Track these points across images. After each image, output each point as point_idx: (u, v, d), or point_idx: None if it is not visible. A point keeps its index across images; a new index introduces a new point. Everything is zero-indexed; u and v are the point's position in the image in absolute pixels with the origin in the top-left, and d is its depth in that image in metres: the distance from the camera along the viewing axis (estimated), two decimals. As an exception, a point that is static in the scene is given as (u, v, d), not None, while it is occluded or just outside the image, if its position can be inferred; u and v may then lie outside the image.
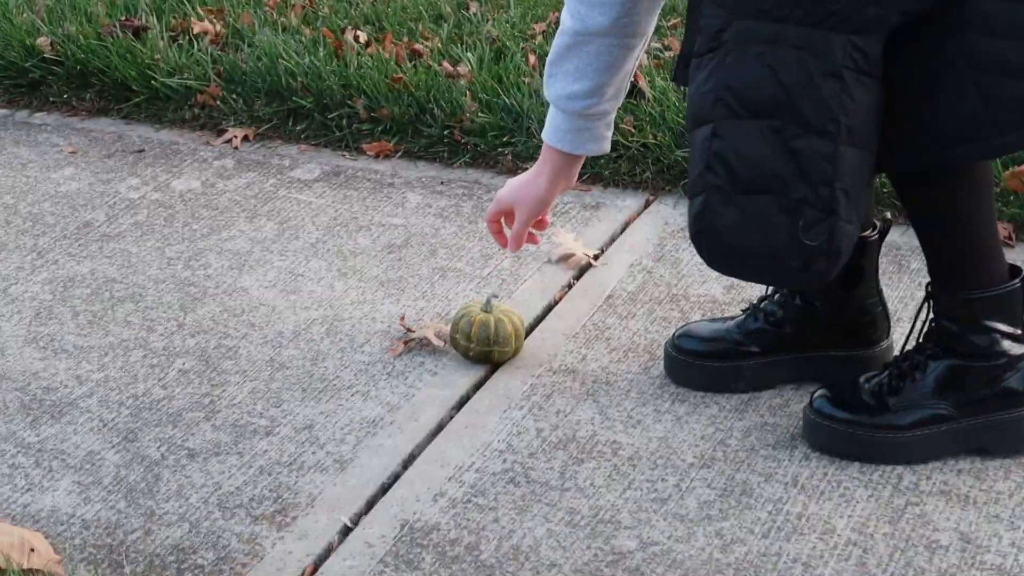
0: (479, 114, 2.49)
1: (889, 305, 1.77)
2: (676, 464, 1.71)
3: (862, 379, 1.71)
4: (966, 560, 1.40)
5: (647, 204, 2.31)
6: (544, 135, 1.79)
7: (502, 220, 1.91)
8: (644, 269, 2.06)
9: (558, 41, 1.71)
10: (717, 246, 1.59)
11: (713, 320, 2.01)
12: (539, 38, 2.77)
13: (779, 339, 1.85)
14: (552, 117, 1.79)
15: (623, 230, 2.24)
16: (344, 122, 2.62)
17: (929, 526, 1.47)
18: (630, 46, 1.71)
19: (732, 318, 1.96)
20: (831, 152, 1.51)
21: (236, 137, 2.58)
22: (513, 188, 1.83)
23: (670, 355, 1.91)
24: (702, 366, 1.91)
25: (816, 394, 1.72)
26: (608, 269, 2.10)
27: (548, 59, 1.73)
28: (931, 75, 1.50)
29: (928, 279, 1.63)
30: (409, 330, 1.95)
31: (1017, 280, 1.61)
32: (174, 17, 2.95)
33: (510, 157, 2.47)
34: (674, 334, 1.93)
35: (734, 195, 1.54)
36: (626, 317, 1.96)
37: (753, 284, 1.90)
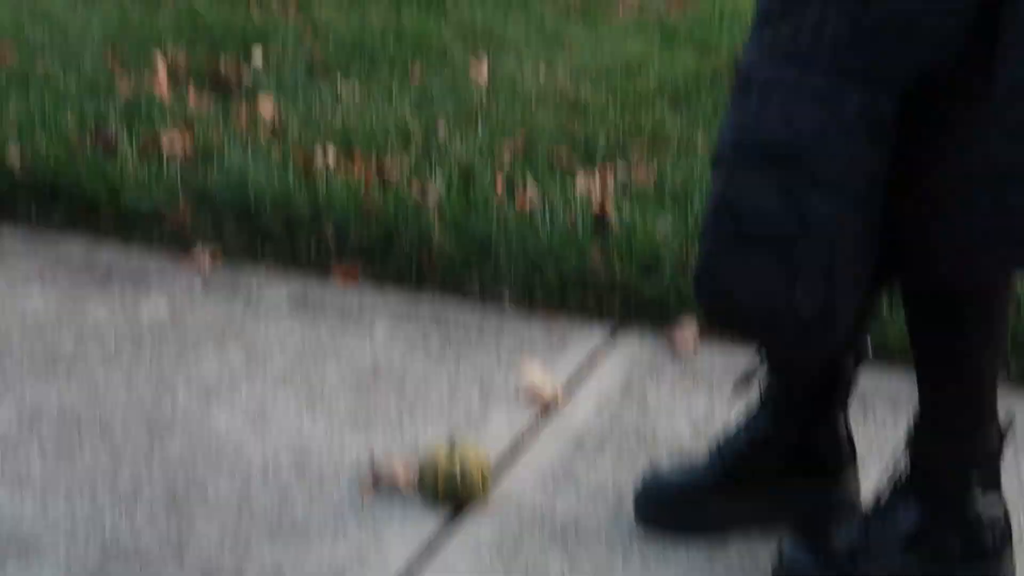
0: (447, 242, 2.51)
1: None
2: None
3: (833, 528, 1.71)
4: None
5: (614, 338, 2.33)
6: None
7: None
8: (612, 408, 2.07)
9: None
10: (716, 294, 1.60)
11: (681, 463, 1.97)
12: (507, 160, 2.82)
13: (744, 474, 1.84)
14: None
15: (590, 366, 2.26)
16: (313, 245, 2.62)
17: None
18: None
19: (698, 459, 1.93)
20: (836, 214, 1.49)
21: (204, 259, 2.58)
22: None
23: (638, 499, 1.89)
24: (670, 510, 1.89)
25: (784, 544, 1.71)
26: (576, 407, 2.11)
27: None
28: (949, 171, 1.48)
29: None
30: (377, 470, 1.95)
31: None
32: (144, 130, 2.96)
33: (477, 286, 2.48)
34: (642, 477, 1.91)
35: (738, 245, 1.55)
36: (594, 458, 1.97)
37: (720, 422, 1.89)
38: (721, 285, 1.56)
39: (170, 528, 1.79)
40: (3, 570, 1.70)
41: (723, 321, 1.72)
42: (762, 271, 1.53)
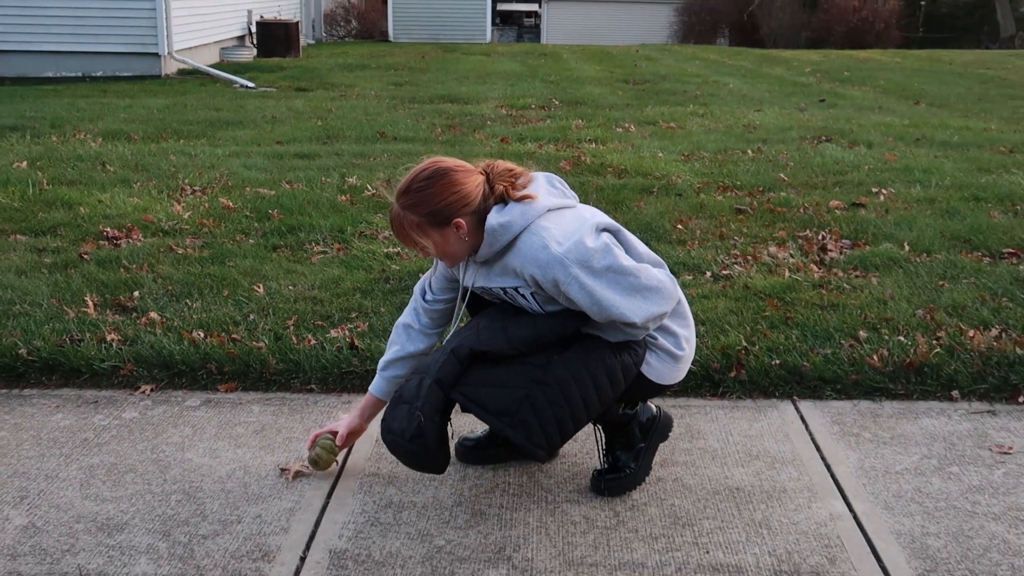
0: (276, 365, 3.66)
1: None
2: (442, 504, 2.86)
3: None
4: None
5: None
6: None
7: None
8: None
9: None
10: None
11: (475, 436, 3.05)
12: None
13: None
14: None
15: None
16: (205, 377, 3.62)
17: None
18: None
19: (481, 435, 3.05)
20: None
21: (148, 389, 3.55)
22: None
23: (457, 448, 2.97)
24: (470, 453, 2.99)
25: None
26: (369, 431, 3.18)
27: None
28: None
29: None
30: (287, 467, 3.01)
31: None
32: (93, 333, 3.87)
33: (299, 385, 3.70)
34: (460, 440, 2.98)
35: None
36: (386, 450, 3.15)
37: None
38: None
39: (188, 508, 2.79)
40: (110, 537, 2.64)
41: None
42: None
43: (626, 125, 9.33)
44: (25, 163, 7.09)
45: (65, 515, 2.81)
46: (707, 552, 2.64)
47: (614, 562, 2.60)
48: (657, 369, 2.75)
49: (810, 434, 3.31)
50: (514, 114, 10.16)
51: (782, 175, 6.90)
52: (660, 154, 7.68)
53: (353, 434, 2.96)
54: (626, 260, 2.55)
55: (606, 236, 2.57)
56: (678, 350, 2.77)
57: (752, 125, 9.38)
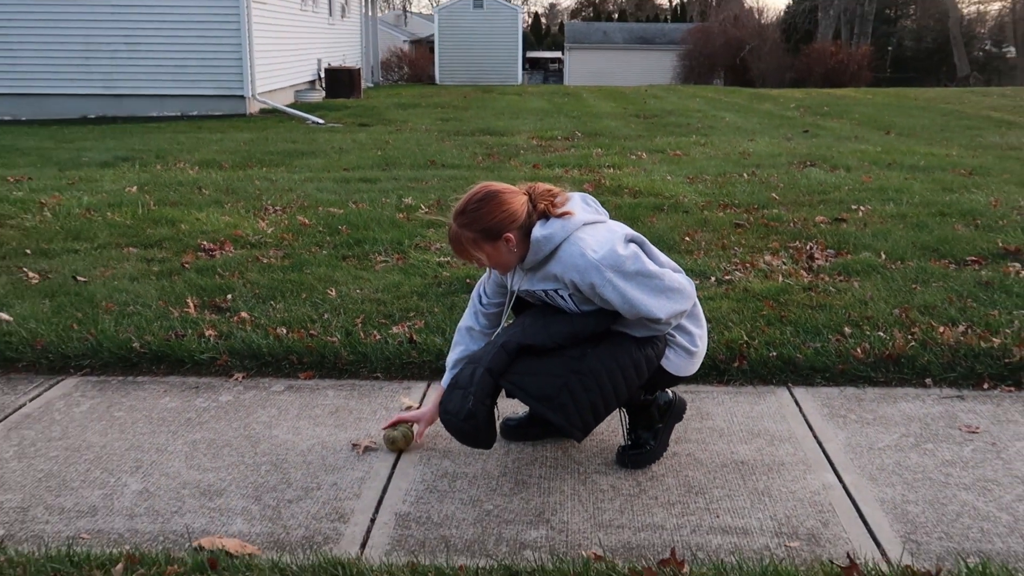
0: (347, 356, 3.67)
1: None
2: (489, 474, 2.82)
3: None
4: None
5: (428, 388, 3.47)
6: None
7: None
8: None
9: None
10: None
11: (517, 417, 2.98)
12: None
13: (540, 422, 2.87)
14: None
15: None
16: (287, 366, 3.59)
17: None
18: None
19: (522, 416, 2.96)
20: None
21: (240, 376, 3.57)
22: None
23: (502, 427, 2.92)
24: (513, 432, 2.95)
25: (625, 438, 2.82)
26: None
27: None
28: None
29: None
30: (358, 443, 2.98)
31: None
32: (193, 329, 3.88)
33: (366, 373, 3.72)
34: (504, 420, 2.94)
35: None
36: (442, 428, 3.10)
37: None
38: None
39: (276, 477, 2.80)
40: (211, 501, 2.64)
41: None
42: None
43: (639, 153, 9.28)
44: (135, 188, 7.16)
45: (173, 482, 2.82)
46: (717, 516, 2.61)
47: (637, 524, 2.57)
48: (675, 362, 2.73)
49: (803, 416, 3.26)
50: (543, 144, 10.14)
51: (774, 195, 6.83)
52: (668, 177, 7.63)
53: (428, 424, 2.95)
54: (652, 265, 2.54)
55: (634, 246, 2.56)
56: (693, 346, 2.75)
57: (746, 152, 9.30)
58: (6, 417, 3.28)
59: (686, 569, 2.26)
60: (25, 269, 4.81)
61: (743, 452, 2.99)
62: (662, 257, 2.68)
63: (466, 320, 2.89)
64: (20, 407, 3.36)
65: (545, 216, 2.56)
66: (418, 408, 3.10)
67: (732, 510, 2.64)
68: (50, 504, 2.68)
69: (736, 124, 12.49)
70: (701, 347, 2.78)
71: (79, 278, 4.65)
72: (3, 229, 5.76)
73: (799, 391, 3.46)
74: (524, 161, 8.69)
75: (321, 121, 12.80)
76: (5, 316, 4.02)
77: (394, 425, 2.98)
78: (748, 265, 4.88)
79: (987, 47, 40.20)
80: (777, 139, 10.65)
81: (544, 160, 8.75)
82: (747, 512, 2.62)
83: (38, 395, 3.47)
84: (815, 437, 3.09)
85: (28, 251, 5.22)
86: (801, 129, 11.82)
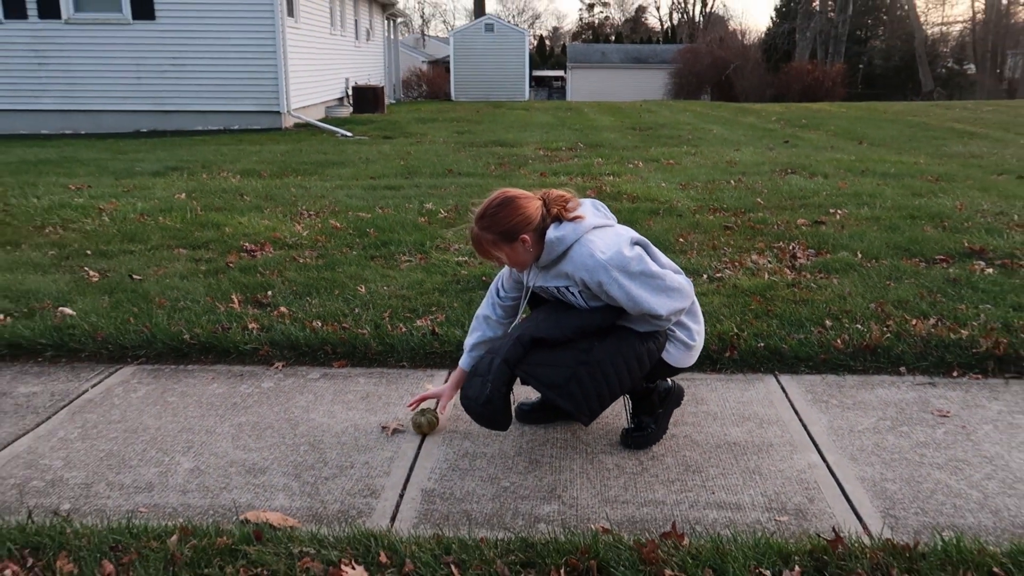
0: (375, 346, 3.63)
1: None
2: (506, 454, 2.79)
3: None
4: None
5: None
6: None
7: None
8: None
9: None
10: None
11: (530, 402, 2.94)
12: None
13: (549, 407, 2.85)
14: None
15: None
16: (322, 356, 3.56)
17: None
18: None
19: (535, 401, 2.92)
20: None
21: (280, 365, 3.54)
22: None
23: (516, 411, 2.90)
24: (527, 415, 2.92)
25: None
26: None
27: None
28: None
29: None
30: (387, 425, 2.96)
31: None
32: (244, 317, 3.92)
33: (392, 362, 3.70)
34: (519, 405, 2.92)
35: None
36: (463, 411, 3.10)
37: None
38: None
39: (313, 457, 2.78)
40: (256, 478, 2.63)
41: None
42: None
43: (636, 162, 9.23)
44: (184, 194, 7.15)
45: (221, 461, 2.80)
46: (712, 493, 2.58)
47: (640, 500, 2.54)
48: (674, 355, 2.70)
49: (789, 401, 3.22)
50: (549, 154, 10.10)
51: (759, 199, 6.78)
52: (663, 184, 7.58)
53: (447, 399, 2.92)
54: (655, 266, 2.51)
55: (638, 248, 2.53)
56: (691, 341, 2.72)
57: (733, 161, 9.24)
58: (71, 402, 3.27)
59: (686, 542, 2.24)
60: (86, 268, 4.81)
61: (735, 434, 2.96)
62: (664, 259, 2.65)
63: (483, 309, 2.85)
64: (83, 393, 3.35)
65: (558, 219, 2.53)
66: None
67: (726, 487, 2.61)
68: (111, 481, 2.67)
69: (723, 136, 12.42)
70: (699, 341, 2.75)
71: (134, 276, 4.64)
72: (66, 232, 5.75)
73: (785, 378, 3.42)
74: (532, 170, 8.65)
75: (349, 134, 12.78)
76: (69, 311, 4.01)
77: (419, 405, 2.95)
78: (737, 264, 4.84)
79: (949, 64, 39.90)
80: (760, 149, 10.59)
81: (550, 169, 8.71)
82: (740, 489, 2.60)
83: (99, 382, 3.46)
84: (800, 420, 3.06)
85: (88, 252, 5.21)
86: (782, 140, 11.75)
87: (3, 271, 4.75)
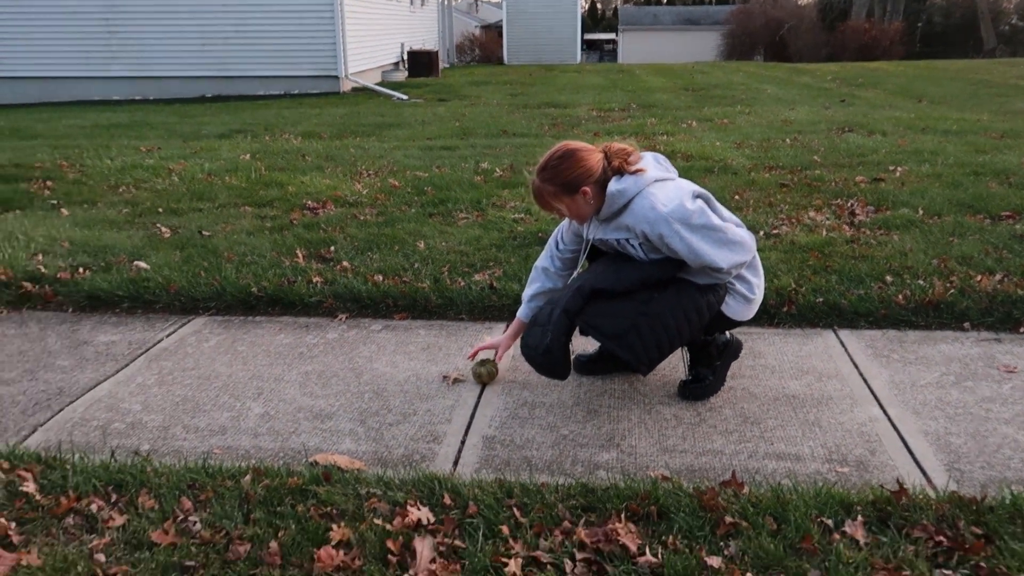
0: (434, 299, 3.57)
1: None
2: (564, 403, 2.76)
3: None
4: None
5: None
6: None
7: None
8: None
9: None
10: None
11: (588, 354, 2.90)
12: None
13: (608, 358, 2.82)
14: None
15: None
16: (384, 308, 3.57)
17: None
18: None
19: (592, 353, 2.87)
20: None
21: (344, 317, 3.56)
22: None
23: (575, 362, 2.84)
24: (585, 367, 2.87)
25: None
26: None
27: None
28: None
29: None
30: (448, 375, 2.96)
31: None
32: (308, 271, 3.90)
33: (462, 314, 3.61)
34: (577, 356, 2.86)
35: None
36: (521, 362, 3.04)
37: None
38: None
39: (377, 404, 2.78)
40: (323, 423, 2.65)
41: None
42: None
43: (689, 122, 9.02)
44: (248, 156, 7.22)
45: (289, 407, 2.83)
46: (771, 444, 2.53)
47: (699, 450, 2.50)
48: (733, 308, 2.64)
49: (849, 355, 3.13)
50: (602, 115, 9.93)
51: (815, 157, 6.57)
52: (717, 143, 7.39)
53: (505, 349, 2.90)
54: (716, 219, 2.44)
55: (700, 201, 2.46)
56: (751, 294, 2.65)
57: (788, 120, 8.96)
58: (147, 350, 3.35)
59: (746, 490, 2.19)
60: (159, 225, 4.89)
61: (793, 387, 2.88)
62: (725, 212, 2.58)
63: (542, 261, 2.81)
64: (158, 342, 3.42)
65: (619, 172, 2.47)
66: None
67: (785, 438, 2.56)
68: (186, 424, 2.73)
69: (777, 95, 12.05)
70: (758, 295, 2.67)
71: (204, 232, 4.71)
72: (139, 191, 5.86)
73: (844, 333, 3.33)
74: (585, 130, 8.52)
75: (405, 97, 12.75)
76: (143, 264, 4.09)
77: (478, 356, 2.94)
78: (794, 220, 4.70)
79: (1013, 21, 37.98)
80: (816, 108, 10.24)
81: (603, 129, 8.56)
82: (799, 440, 2.54)
83: (173, 332, 3.53)
84: (860, 375, 2.97)
85: (160, 210, 5.30)
86: (838, 99, 11.35)
87: (81, 228, 4.86)
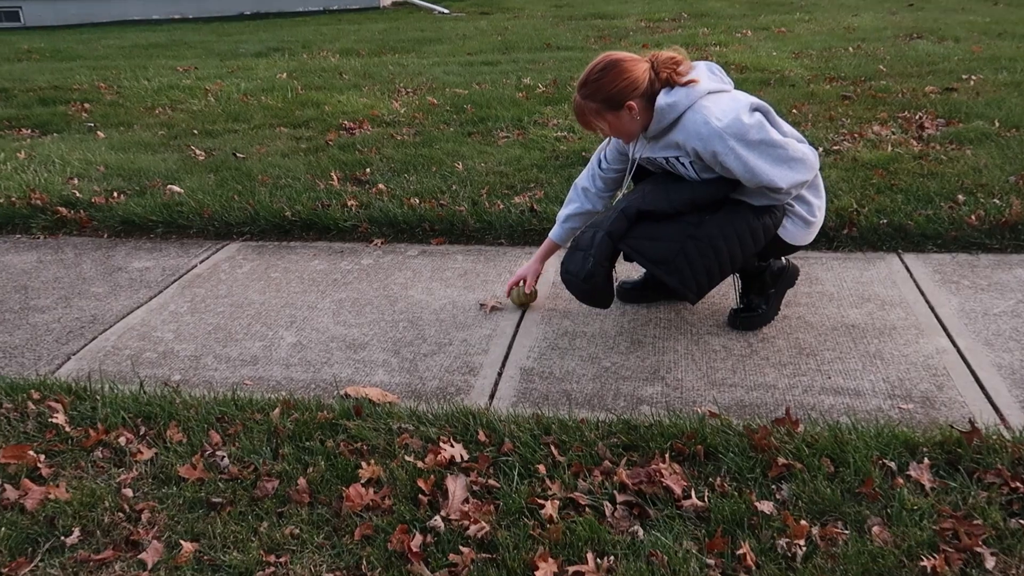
0: (473, 223, 3.40)
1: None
2: (607, 334, 2.62)
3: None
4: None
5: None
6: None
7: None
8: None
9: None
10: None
11: (632, 280, 2.75)
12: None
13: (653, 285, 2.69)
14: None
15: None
16: (421, 233, 3.44)
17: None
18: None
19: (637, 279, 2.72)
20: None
21: (379, 242, 3.46)
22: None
23: (618, 290, 2.68)
24: (630, 293, 2.71)
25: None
26: (545, 275, 2.97)
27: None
28: None
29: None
30: (484, 303, 2.83)
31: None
32: (343, 194, 3.77)
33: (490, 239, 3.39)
34: (620, 283, 2.71)
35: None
36: (562, 289, 2.93)
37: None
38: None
39: (412, 333, 2.67)
40: (356, 354, 2.54)
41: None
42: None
43: (744, 31, 8.51)
44: (285, 74, 7.04)
45: (322, 336, 2.75)
46: (828, 378, 2.35)
47: (749, 383, 2.35)
48: (791, 232, 2.42)
49: (914, 281, 2.91)
50: (651, 26, 9.44)
51: (881, 67, 6.12)
52: (774, 53, 6.95)
53: (535, 276, 2.76)
54: (776, 135, 2.21)
55: (758, 115, 2.23)
56: (811, 217, 2.43)
57: (851, 27, 8.39)
58: (180, 277, 3.28)
59: (800, 428, 2.04)
60: (193, 147, 4.79)
61: (853, 316, 2.69)
62: (786, 127, 2.34)
63: (582, 180, 2.63)
64: (192, 268, 3.36)
65: (669, 84, 2.24)
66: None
67: (843, 372, 2.38)
68: (218, 353, 2.66)
69: (839, 0, 11.30)
70: (819, 217, 2.46)
71: (238, 155, 4.59)
72: (175, 112, 5.75)
73: (909, 257, 3.09)
74: (633, 41, 8.10)
75: (446, 11, 12.32)
76: (177, 188, 4.01)
77: (510, 292, 2.80)
78: (856, 135, 4.39)
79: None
80: (881, 13, 9.58)
81: (652, 40, 8.13)
82: (859, 374, 2.36)
83: (206, 258, 3.46)
84: (927, 302, 2.75)
85: (195, 131, 5.20)
86: (906, 3, 10.60)
87: (117, 151, 4.79)
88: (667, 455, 1.96)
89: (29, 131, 5.43)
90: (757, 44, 7.50)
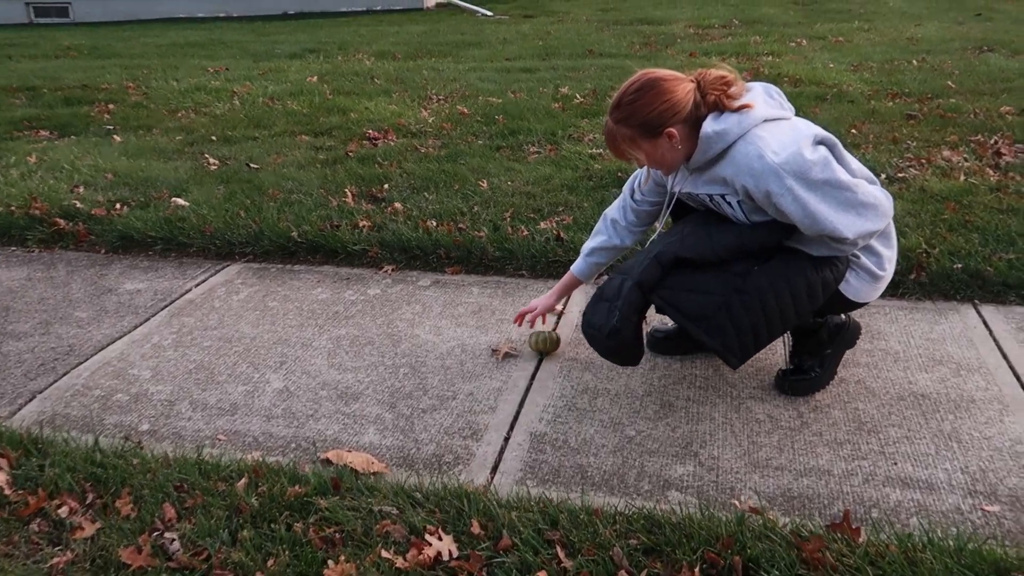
0: (492, 253, 3.11)
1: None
2: (633, 392, 2.29)
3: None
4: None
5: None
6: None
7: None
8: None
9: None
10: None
11: (664, 328, 2.45)
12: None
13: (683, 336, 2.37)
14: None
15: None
16: (434, 261, 3.17)
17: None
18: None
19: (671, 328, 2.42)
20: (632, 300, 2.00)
21: (389, 269, 3.18)
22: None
23: (648, 339, 2.39)
24: (663, 344, 2.41)
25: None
26: (568, 316, 2.76)
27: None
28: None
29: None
30: (497, 348, 2.53)
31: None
32: (355, 213, 3.52)
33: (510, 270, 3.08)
34: (651, 330, 2.41)
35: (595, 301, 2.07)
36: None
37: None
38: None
39: (412, 382, 2.38)
40: (347, 406, 2.26)
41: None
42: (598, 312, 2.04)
43: (798, 40, 8.04)
44: (315, 78, 6.79)
45: (313, 381, 2.44)
46: (895, 463, 1.96)
47: (799, 467, 1.96)
48: (855, 287, 2.03)
49: (994, 340, 2.49)
50: (700, 32, 9.01)
51: (949, 83, 5.63)
52: (831, 65, 6.49)
53: (548, 311, 2.45)
54: (843, 175, 1.83)
55: (823, 149, 1.84)
56: (880, 270, 2.03)
57: (914, 38, 7.87)
58: (171, 302, 3.01)
59: (862, 538, 1.65)
60: (207, 155, 4.55)
61: (923, 383, 2.29)
62: (855, 164, 1.95)
63: (613, 211, 2.30)
64: (185, 292, 3.08)
65: (718, 108, 1.87)
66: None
67: (913, 456, 1.99)
68: (195, 399, 2.36)
69: (901, 8, 10.73)
70: (888, 271, 2.07)
71: (252, 165, 4.33)
72: (197, 116, 5.53)
73: (987, 310, 2.67)
74: (680, 49, 7.69)
75: (489, 13, 12.02)
76: (182, 202, 3.75)
77: (529, 322, 2.48)
78: (924, 161, 3.94)
79: None
80: (947, 23, 9.01)
81: (701, 48, 7.71)
82: (931, 460, 1.97)
83: (203, 280, 3.19)
84: (1011, 368, 2.34)
85: (214, 137, 4.96)
86: (973, 12, 9.99)
87: (130, 157, 4.56)
88: (697, 568, 1.60)
89: (47, 133, 5.25)
90: (813, 55, 7.04)
